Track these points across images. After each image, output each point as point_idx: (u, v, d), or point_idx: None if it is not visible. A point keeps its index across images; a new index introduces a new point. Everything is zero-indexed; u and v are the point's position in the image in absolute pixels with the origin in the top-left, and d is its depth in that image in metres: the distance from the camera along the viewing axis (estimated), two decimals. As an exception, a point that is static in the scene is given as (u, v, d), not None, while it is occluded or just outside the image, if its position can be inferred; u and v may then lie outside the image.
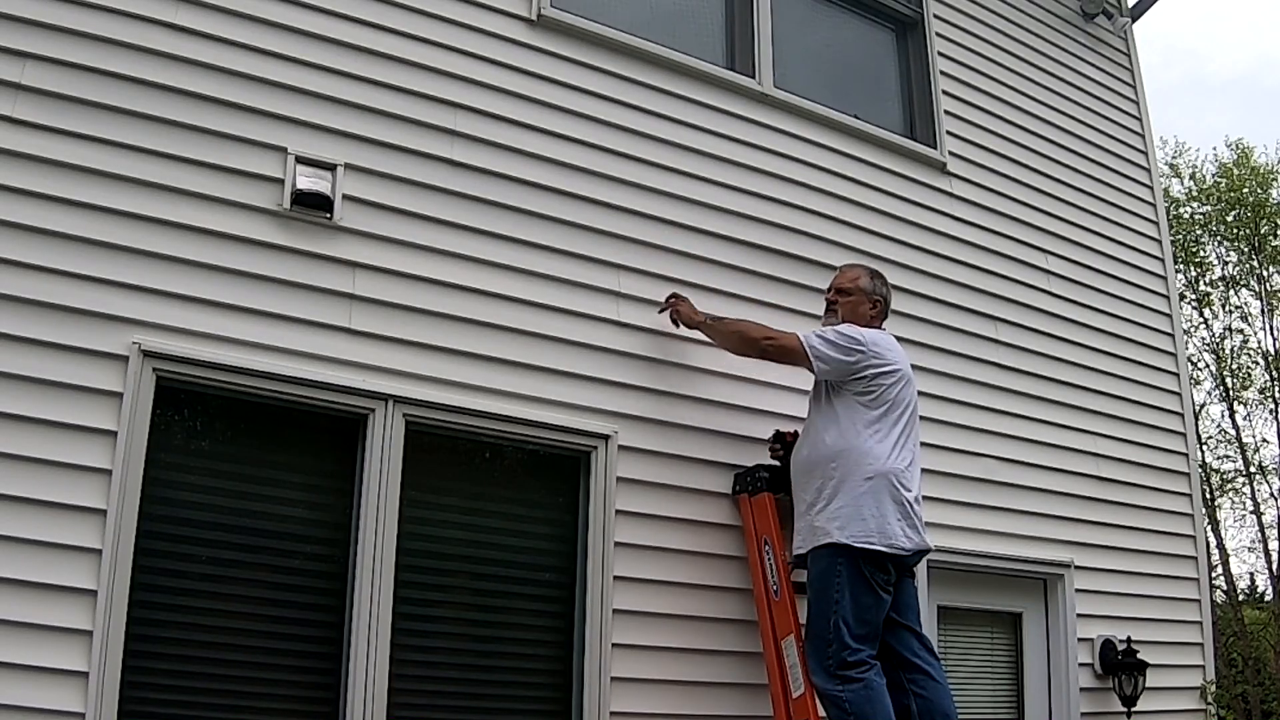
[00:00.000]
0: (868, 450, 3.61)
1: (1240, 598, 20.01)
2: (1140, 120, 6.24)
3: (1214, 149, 31.28)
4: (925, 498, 4.11)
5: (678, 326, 4.03)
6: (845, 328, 3.80)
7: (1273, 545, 19.70)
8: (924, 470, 4.20)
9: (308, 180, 3.52)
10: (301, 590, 3.38)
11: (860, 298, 3.96)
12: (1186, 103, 40.71)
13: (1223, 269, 20.60)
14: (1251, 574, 22.98)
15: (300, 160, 3.54)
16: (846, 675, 3.45)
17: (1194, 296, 20.28)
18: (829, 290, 4.07)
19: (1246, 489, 20.05)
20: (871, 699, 3.43)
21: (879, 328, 3.95)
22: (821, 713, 3.56)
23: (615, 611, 3.74)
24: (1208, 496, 19.25)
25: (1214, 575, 17.96)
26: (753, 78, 4.69)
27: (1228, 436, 20.39)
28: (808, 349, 3.71)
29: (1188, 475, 5.72)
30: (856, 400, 3.68)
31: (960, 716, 3.72)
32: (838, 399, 3.73)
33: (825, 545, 3.56)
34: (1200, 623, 5.50)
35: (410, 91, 3.82)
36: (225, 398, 3.32)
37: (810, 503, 3.67)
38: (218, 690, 3.17)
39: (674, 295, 4.05)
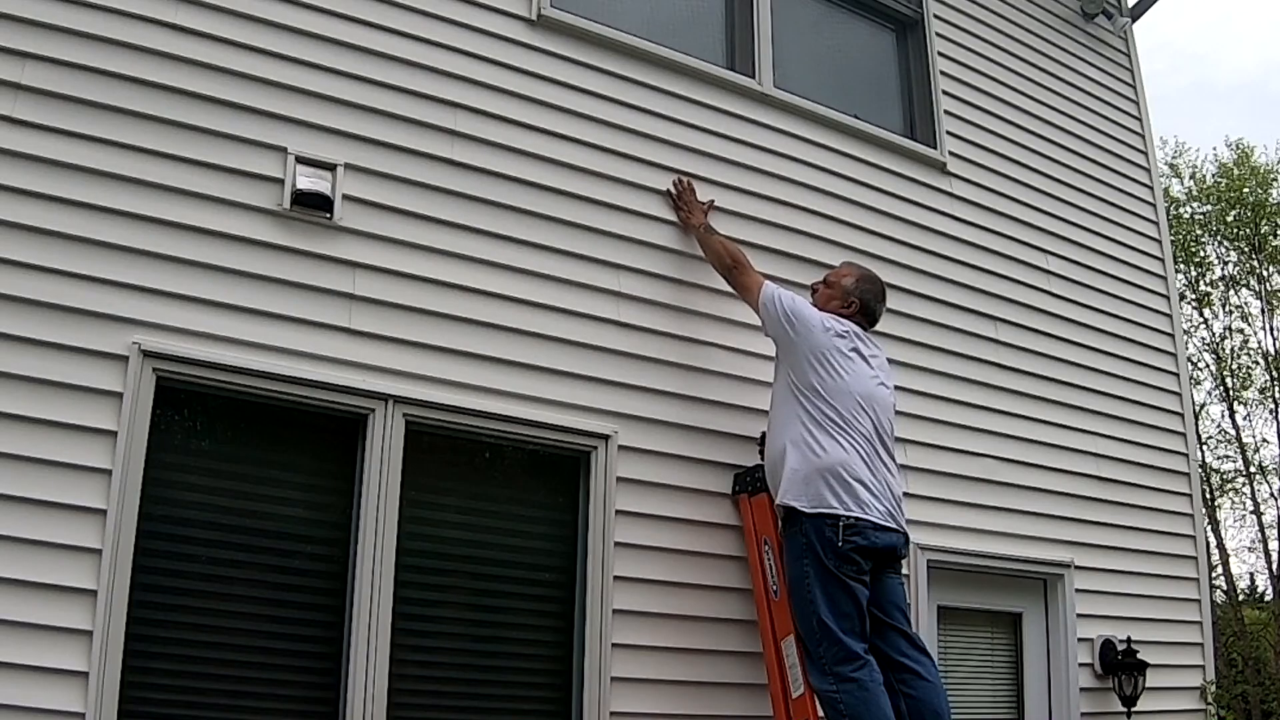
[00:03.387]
0: (808, 442, 3.64)
1: (1240, 598, 20.02)
2: (1140, 120, 6.24)
3: (1214, 149, 31.31)
4: (925, 497, 4.12)
5: (678, 213, 4.20)
6: (803, 306, 3.86)
7: (1273, 545, 19.72)
8: (924, 470, 4.22)
9: (308, 180, 3.52)
10: (301, 590, 3.38)
11: (835, 293, 4.02)
12: (1192, 108, 40.77)
13: (1223, 269, 20.62)
14: (1251, 574, 23.02)
15: (300, 160, 3.54)
16: (840, 673, 3.46)
17: (1194, 296, 20.28)
18: (816, 280, 4.16)
19: (1246, 489, 20.06)
20: (866, 699, 3.42)
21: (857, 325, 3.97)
22: (821, 713, 3.56)
23: (615, 611, 3.74)
24: (1208, 496, 19.24)
25: (1214, 575, 17.97)
26: (753, 78, 4.69)
27: (1228, 436, 20.41)
28: (761, 296, 3.88)
29: (1188, 475, 5.71)
30: (798, 390, 3.72)
31: (960, 717, 3.72)
32: (784, 389, 3.78)
33: (791, 532, 3.62)
34: (1200, 623, 5.50)
35: (410, 91, 3.82)
36: (225, 398, 3.32)
37: (778, 460, 3.74)
38: (218, 690, 3.17)
39: (705, 203, 4.24)
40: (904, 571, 3.86)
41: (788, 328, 3.79)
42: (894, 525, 3.66)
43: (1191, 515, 5.65)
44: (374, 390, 3.49)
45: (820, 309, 3.93)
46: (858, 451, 3.65)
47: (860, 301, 4.00)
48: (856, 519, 3.55)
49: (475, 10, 4.05)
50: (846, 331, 3.85)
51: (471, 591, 3.68)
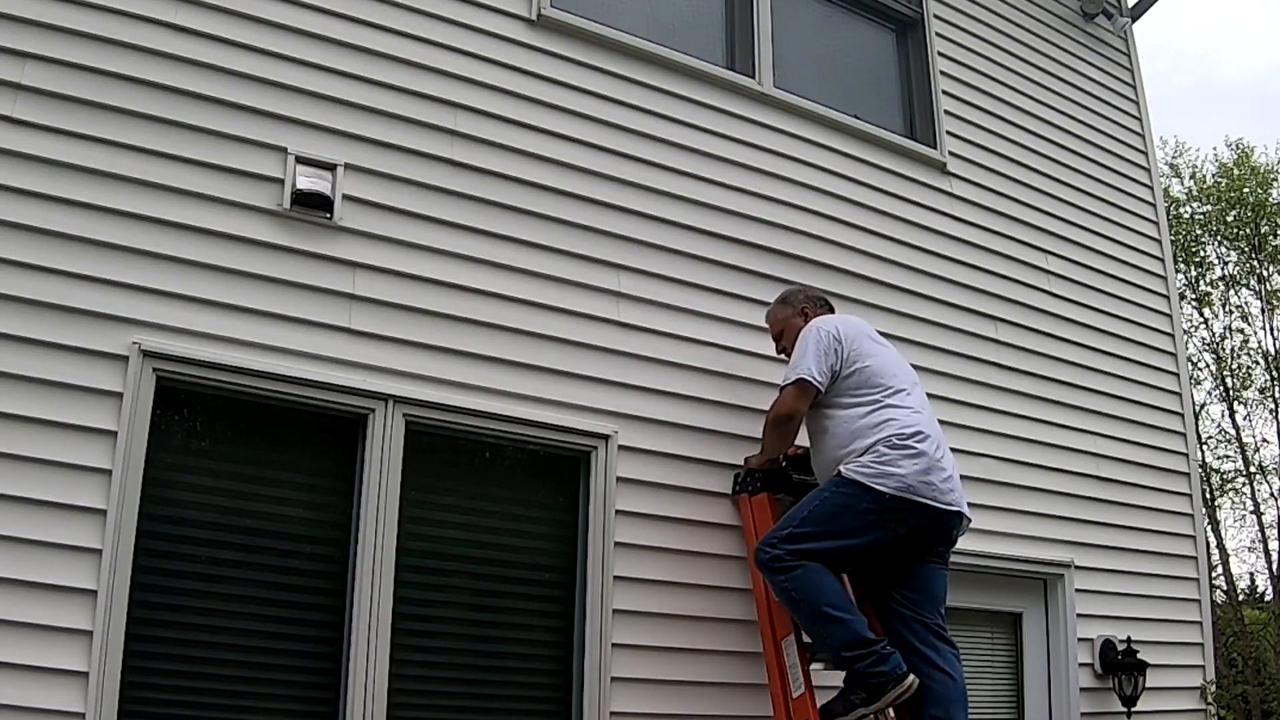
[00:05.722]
0: (860, 426, 3.62)
1: (1240, 598, 19.99)
2: (1140, 120, 6.24)
3: (1214, 149, 31.28)
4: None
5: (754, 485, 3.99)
6: (804, 331, 3.82)
7: (1273, 545, 19.70)
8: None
9: (308, 180, 3.52)
10: (301, 590, 3.38)
11: (791, 324, 4.01)
12: (1194, 109, 40.75)
13: (1223, 269, 20.60)
14: (1251, 574, 22.97)
15: (300, 160, 3.54)
16: (778, 566, 3.49)
17: (1194, 296, 20.26)
18: (775, 345, 4.12)
19: (1246, 489, 20.05)
20: (815, 579, 3.45)
21: None
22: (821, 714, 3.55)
23: (615, 611, 3.74)
24: (1208, 496, 19.23)
25: (1214, 575, 17.95)
26: (753, 78, 4.69)
27: (1228, 436, 20.38)
28: (810, 382, 3.67)
29: (1188, 475, 5.71)
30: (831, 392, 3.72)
31: (960, 717, 3.71)
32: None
33: (837, 474, 3.60)
34: (1200, 623, 5.50)
35: (410, 91, 3.82)
36: (225, 398, 3.32)
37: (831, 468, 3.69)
38: (218, 690, 3.17)
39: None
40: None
41: (834, 356, 3.73)
42: (947, 500, 3.65)
43: (1191, 515, 5.65)
44: (374, 390, 3.49)
45: (814, 319, 3.91)
46: (909, 410, 3.67)
47: (808, 303, 4.04)
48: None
49: (475, 10, 4.05)
50: (836, 320, 3.86)
51: (471, 591, 3.68)
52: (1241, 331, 20.45)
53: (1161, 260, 6.04)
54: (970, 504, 4.70)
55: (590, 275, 4.02)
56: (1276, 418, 19.83)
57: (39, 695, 2.84)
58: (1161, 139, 22.58)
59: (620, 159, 4.21)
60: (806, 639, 3.68)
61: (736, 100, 4.61)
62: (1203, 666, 5.45)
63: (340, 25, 3.75)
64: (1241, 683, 16.37)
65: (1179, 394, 5.83)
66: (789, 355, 3.91)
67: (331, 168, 3.59)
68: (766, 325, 4.16)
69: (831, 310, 4.08)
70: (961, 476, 4.69)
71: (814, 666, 3.65)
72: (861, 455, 3.57)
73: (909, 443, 3.57)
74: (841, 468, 3.59)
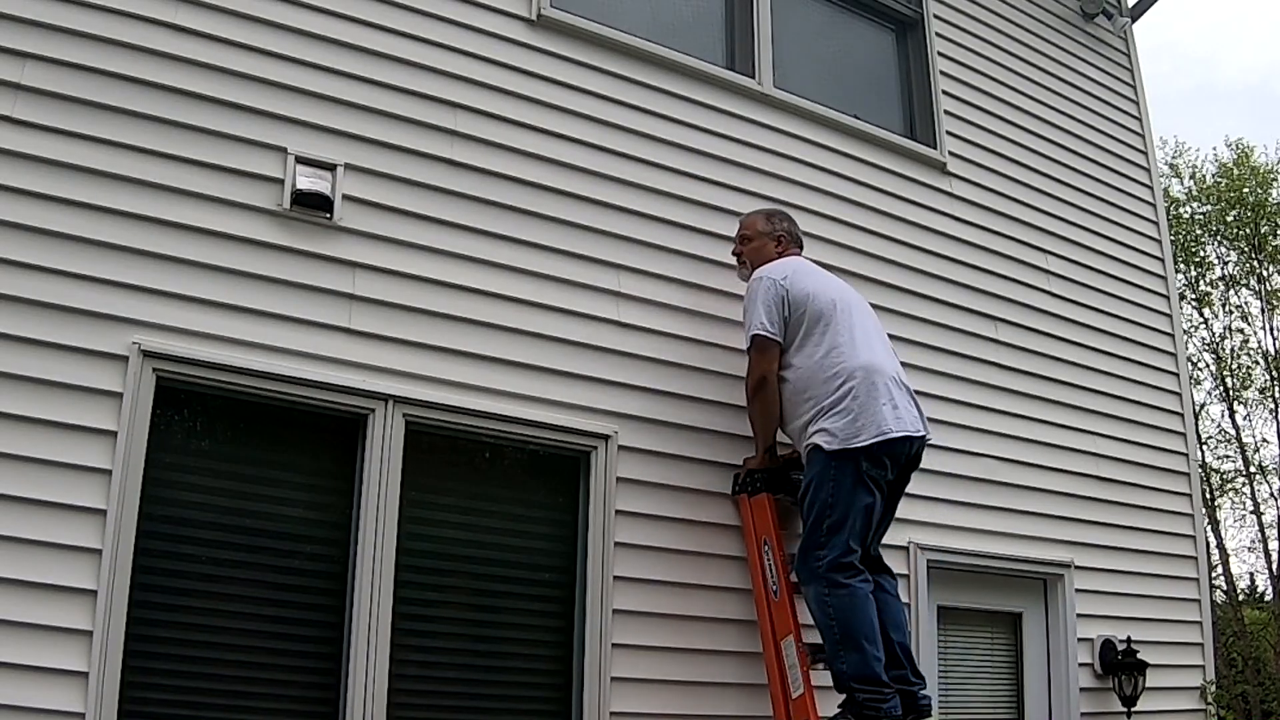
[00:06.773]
0: (824, 367, 3.71)
1: (1240, 598, 20.00)
2: (1140, 120, 6.24)
3: (1214, 149, 31.27)
4: (925, 497, 4.13)
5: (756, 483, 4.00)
6: (751, 283, 3.92)
7: (1273, 545, 19.71)
8: (924, 470, 4.20)
9: (308, 180, 3.52)
10: (301, 590, 3.38)
11: (762, 240, 4.12)
12: (1196, 110, 40.76)
13: (1223, 269, 20.60)
14: (1251, 574, 22.97)
15: (300, 160, 3.54)
16: (833, 579, 3.53)
17: (1194, 296, 20.26)
18: (734, 245, 4.20)
19: (1246, 489, 20.05)
20: (855, 605, 3.52)
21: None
22: (821, 713, 3.56)
23: (615, 611, 3.74)
24: (1208, 496, 19.23)
25: (1214, 575, 17.94)
26: (753, 78, 4.69)
27: (1228, 436, 20.38)
28: (765, 337, 3.80)
29: (1188, 475, 5.71)
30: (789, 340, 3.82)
31: (960, 717, 3.72)
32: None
33: (817, 450, 3.65)
34: (1200, 623, 5.50)
35: (410, 91, 3.82)
36: (225, 398, 3.32)
37: (801, 429, 3.75)
38: (218, 690, 3.17)
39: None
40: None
41: (783, 308, 3.83)
42: (914, 426, 3.75)
43: (1191, 515, 5.65)
44: (374, 390, 3.49)
45: (758, 263, 4.01)
46: (867, 347, 3.79)
47: (786, 233, 4.14)
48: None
49: (475, 10, 4.05)
50: (792, 266, 3.94)
51: (471, 591, 3.68)
52: (1241, 331, 20.47)
53: (1161, 260, 6.04)
54: (970, 504, 4.76)
55: (590, 275, 4.02)
56: (1276, 418, 19.84)
57: (39, 695, 2.84)
58: (1161, 139, 22.59)
59: (620, 159, 4.21)
60: (807, 641, 3.68)
61: (736, 100, 4.61)
62: (1203, 666, 5.45)
63: (340, 25, 3.74)
64: (1241, 683, 16.38)
65: (1179, 394, 5.83)
66: (740, 262, 4.16)
67: (331, 168, 3.59)
68: (739, 223, 4.22)
69: (800, 246, 4.18)
70: (961, 476, 4.74)
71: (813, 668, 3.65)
72: (826, 418, 3.64)
73: (867, 384, 3.66)
74: (822, 444, 3.63)
